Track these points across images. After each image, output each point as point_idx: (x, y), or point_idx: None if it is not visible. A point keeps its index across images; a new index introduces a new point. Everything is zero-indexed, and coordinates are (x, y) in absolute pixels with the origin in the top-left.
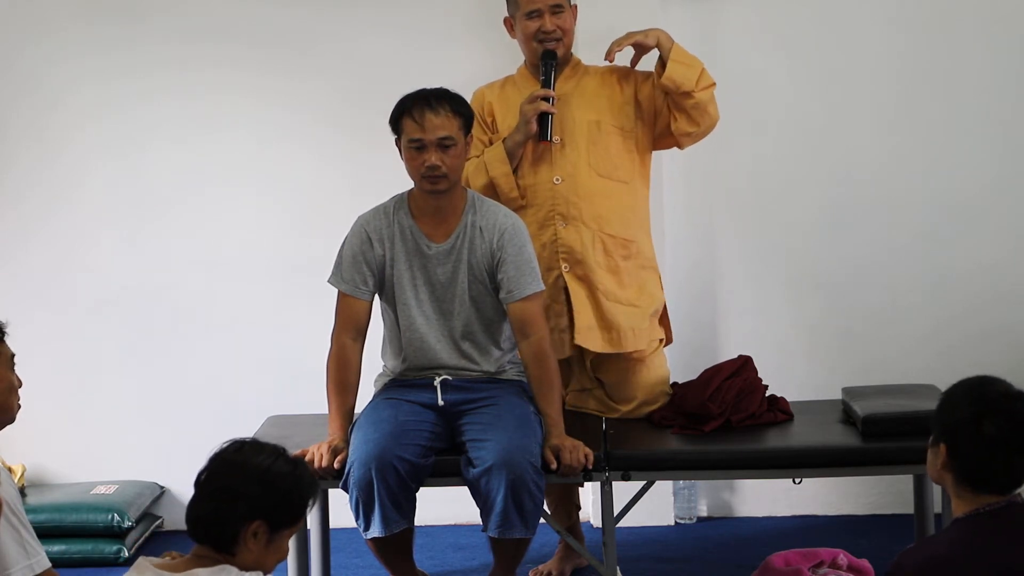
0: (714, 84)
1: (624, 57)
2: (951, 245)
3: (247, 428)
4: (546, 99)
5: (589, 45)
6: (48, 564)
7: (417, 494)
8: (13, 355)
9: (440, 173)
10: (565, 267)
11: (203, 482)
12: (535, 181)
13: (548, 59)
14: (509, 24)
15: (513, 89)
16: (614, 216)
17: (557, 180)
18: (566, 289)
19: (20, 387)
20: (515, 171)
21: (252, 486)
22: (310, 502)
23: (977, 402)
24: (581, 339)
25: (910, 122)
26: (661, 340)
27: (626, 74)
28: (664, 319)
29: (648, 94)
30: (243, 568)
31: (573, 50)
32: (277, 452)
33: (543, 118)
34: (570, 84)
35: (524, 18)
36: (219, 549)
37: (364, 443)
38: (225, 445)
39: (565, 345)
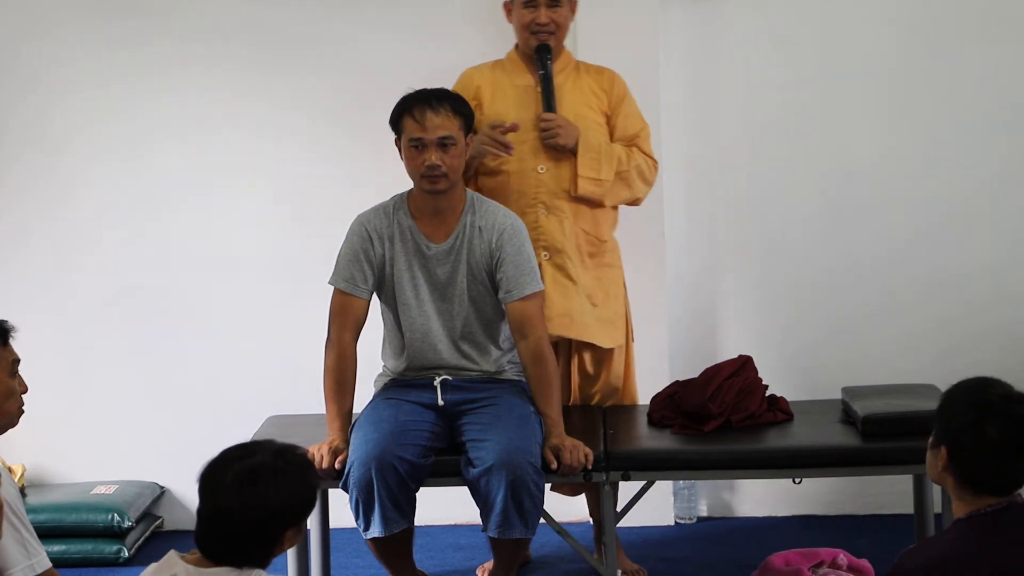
0: (627, 169)
1: None
2: (950, 245)
3: (247, 428)
4: (503, 142)
5: (588, 44)
6: (49, 564)
7: (417, 494)
8: (17, 359)
9: (440, 172)
10: (545, 255)
11: (227, 517)
12: (520, 168)
13: (544, 52)
14: (508, 9)
15: (503, 73)
16: (589, 213)
17: (541, 169)
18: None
19: (25, 392)
20: (478, 172)
21: (282, 518)
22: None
23: (978, 405)
24: (552, 327)
25: (909, 122)
26: (627, 353)
27: (612, 84)
28: (627, 317)
29: (614, 125)
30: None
31: (572, 48)
32: (286, 467)
33: (547, 90)
34: (561, 77)
35: (521, 6)
36: (253, 565)
37: (364, 443)
38: (236, 476)
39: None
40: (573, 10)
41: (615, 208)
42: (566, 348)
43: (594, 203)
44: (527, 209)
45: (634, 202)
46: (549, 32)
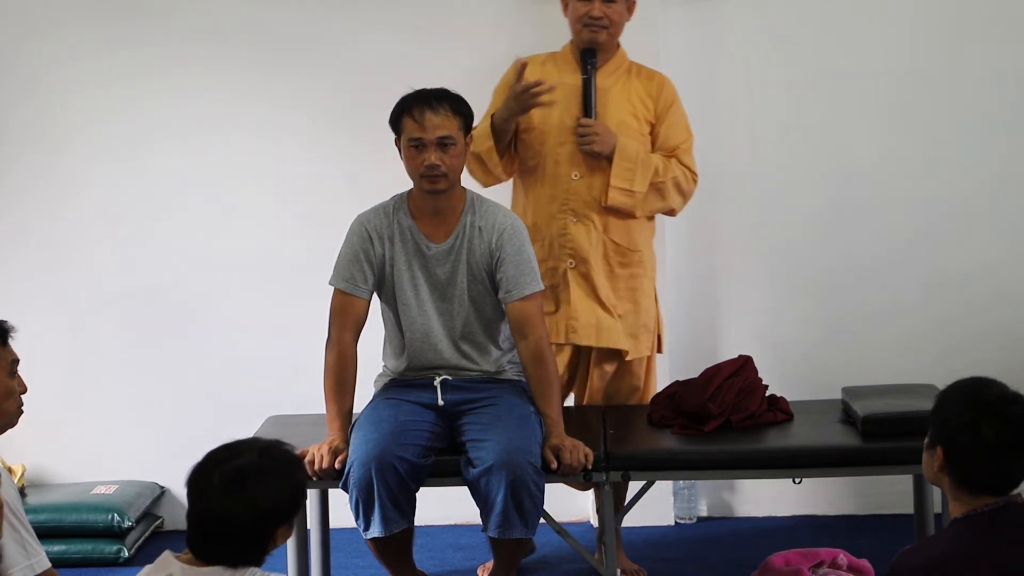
0: (664, 180)
1: None
2: (950, 245)
3: (247, 428)
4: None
5: None
6: (48, 564)
7: (417, 494)
8: (16, 360)
9: (439, 172)
10: (570, 263)
11: (216, 520)
12: (555, 172)
13: (588, 57)
14: (564, 3)
15: (554, 67)
16: (621, 223)
17: (575, 176)
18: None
19: (24, 392)
20: (511, 149)
21: (272, 517)
22: None
23: (974, 405)
24: (577, 337)
25: (909, 122)
26: (650, 357)
27: (660, 92)
28: (656, 329)
29: (657, 133)
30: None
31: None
32: (272, 465)
33: (587, 96)
34: (611, 80)
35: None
36: (247, 564)
37: (364, 443)
38: (223, 479)
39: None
40: (630, 10)
41: (651, 218)
42: (587, 352)
43: (625, 213)
44: (557, 215)
45: (669, 213)
46: (602, 26)
